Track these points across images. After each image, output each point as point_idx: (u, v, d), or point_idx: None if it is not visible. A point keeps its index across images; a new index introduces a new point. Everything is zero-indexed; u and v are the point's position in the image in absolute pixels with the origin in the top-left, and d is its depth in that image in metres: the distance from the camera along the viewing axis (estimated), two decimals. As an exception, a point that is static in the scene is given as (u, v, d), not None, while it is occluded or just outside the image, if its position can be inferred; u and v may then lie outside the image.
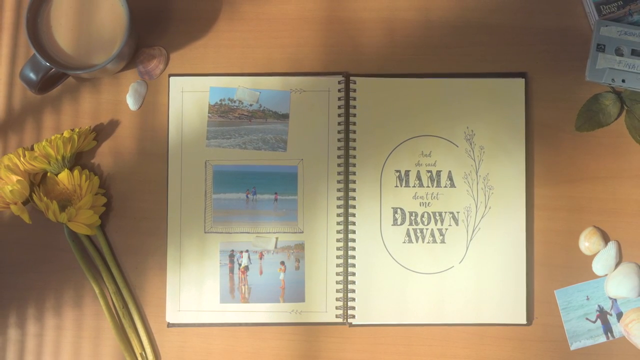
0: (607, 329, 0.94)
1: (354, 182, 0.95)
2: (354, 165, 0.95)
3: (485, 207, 0.95)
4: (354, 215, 0.95)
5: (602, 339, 0.94)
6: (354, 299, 0.94)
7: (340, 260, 0.94)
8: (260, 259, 0.95)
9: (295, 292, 0.94)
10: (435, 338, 0.94)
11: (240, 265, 0.94)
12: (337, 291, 0.94)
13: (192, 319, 0.94)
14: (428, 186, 0.95)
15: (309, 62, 0.97)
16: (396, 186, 0.95)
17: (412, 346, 0.94)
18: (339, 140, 0.95)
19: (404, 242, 0.94)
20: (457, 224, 0.95)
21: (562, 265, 0.95)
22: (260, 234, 0.95)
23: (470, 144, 0.95)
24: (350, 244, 0.94)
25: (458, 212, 0.95)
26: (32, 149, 0.95)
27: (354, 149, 0.95)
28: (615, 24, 0.94)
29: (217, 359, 0.94)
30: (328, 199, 0.95)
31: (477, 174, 0.95)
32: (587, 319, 0.94)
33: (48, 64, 0.89)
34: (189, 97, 0.96)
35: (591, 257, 0.95)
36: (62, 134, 0.93)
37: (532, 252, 0.95)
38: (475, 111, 0.96)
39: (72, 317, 0.95)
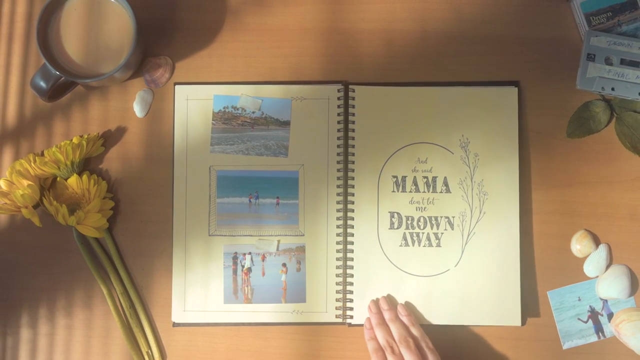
0: (599, 328, 0.95)
1: (353, 186, 0.96)
2: (353, 170, 0.96)
3: (480, 212, 0.95)
4: (352, 219, 0.95)
5: (594, 338, 0.95)
6: (351, 300, 0.95)
7: (340, 262, 0.95)
8: (263, 261, 0.96)
9: (296, 293, 0.95)
10: (431, 338, 0.93)
11: (243, 267, 0.95)
12: (337, 292, 0.95)
13: (197, 319, 0.95)
14: (424, 191, 0.96)
15: (310, 71, 0.98)
16: (393, 191, 0.96)
17: (410, 345, 0.95)
18: (338, 146, 0.96)
19: (401, 246, 0.95)
20: (452, 228, 0.95)
21: (554, 267, 0.96)
22: (263, 237, 0.96)
23: (466, 151, 0.96)
24: (349, 247, 0.95)
25: (453, 217, 0.95)
26: (42, 154, 0.96)
27: (353, 155, 0.96)
28: (604, 34, 0.95)
29: (221, 358, 0.95)
30: (328, 203, 0.96)
31: (472, 180, 0.95)
32: (579, 319, 0.95)
33: (58, 72, 0.90)
34: (194, 104, 0.97)
35: (583, 259, 0.96)
36: (72, 140, 0.94)
37: (525, 254, 0.95)
38: (470, 119, 0.96)
39: (82, 317, 0.96)
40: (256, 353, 0.95)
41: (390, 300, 0.95)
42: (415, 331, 0.92)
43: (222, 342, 0.95)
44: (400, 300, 0.95)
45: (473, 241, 0.95)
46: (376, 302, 0.95)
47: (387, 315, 0.93)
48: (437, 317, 0.95)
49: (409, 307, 0.95)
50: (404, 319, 0.93)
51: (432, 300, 0.95)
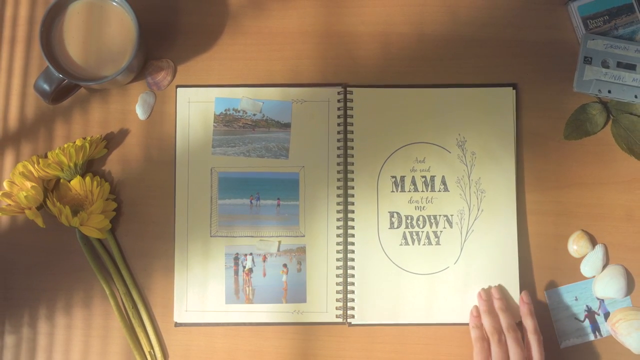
0: (595, 328, 0.96)
1: (353, 187, 0.96)
2: (352, 171, 0.96)
3: (478, 210, 0.96)
4: (352, 219, 0.96)
5: (590, 337, 0.96)
6: (353, 300, 0.95)
7: (340, 263, 0.96)
8: (264, 261, 0.96)
9: (297, 293, 0.96)
10: (430, 337, 0.95)
11: (244, 267, 0.96)
12: (337, 292, 0.96)
13: (199, 319, 0.95)
14: (423, 191, 0.96)
15: (309, 73, 0.99)
16: (392, 191, 0.96)
17: (409, 345, 0.96)
18: (338, 148, 0.97)
19: (401, 245, 0.96)
20: (451, 226, 0.96)
21: (551, 267, 0.96)
22: (264, 238, 0.97)
23: (462, 150, 0.96)
24: (350, 247, 0.96)
25: (452, 215, 0.96)
26: (45, 156, 0.96)
27: (352, 156, 0.96)
28: (601, 38, 0.95)
29: (222, 357, 0.96)
30: (328, 204, 0.96)
31: (469, 179, 0.96)
32: (576, 318, 0.96)
33: (61, 75, 0.91)
34: (195, 107, 0.98)
35: (579, 260, 0.96)
36: (75, 142, 0.94)
37: (523, 254, 0.96)
38: (467, 120, 0.97)
39: (81, 317, 0.96)
40: (257, 353, 0.96)
41: (502, 290, 0.95)
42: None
43: (223, 342, 0.96)
44: (401, 298, 0.95)
45: (472, 238, 0.96)
46: (487, 290, 0.94)
47: (497, 304, 0.93)
48: (438, 314, 0.95)
49: (410, 305, 0.95)
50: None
51: (432, 297, 0.96)
